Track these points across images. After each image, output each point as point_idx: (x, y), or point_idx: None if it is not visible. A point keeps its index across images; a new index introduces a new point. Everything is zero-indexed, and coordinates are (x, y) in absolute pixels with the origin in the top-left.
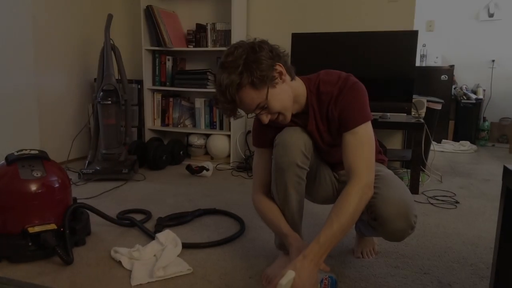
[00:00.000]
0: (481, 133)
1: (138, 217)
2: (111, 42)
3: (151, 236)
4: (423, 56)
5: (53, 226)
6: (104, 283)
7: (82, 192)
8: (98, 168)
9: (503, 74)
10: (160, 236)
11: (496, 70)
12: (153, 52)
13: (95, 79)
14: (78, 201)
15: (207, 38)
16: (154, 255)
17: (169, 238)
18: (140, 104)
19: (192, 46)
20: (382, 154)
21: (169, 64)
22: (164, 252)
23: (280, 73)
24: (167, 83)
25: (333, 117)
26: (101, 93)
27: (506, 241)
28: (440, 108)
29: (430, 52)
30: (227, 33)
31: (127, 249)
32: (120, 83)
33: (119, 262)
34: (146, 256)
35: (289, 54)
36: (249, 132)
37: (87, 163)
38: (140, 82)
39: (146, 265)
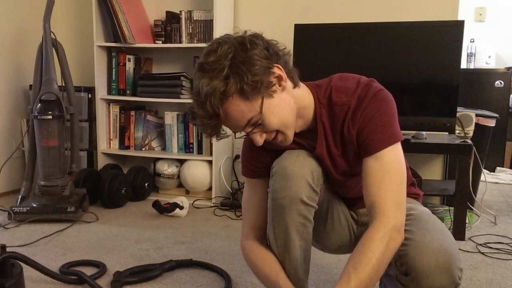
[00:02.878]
0: None
1: (89, 271)
2: (53, 36)
3: None
4: (470, 55)
5: None
6: None
7: (13, 237)
8: (34, 205)
9: None
10: None
11: None
12: (109, 50)
13: (30, 85)
14: (8, 249)
15: (181, 31)
16: None
17: None
18: (91, 119)
19: (161, 42)
20: (416, 186)
21: (130, 66)
22: None
23: (279, 78)
24: (128, 92)
25: (350, 136)
26: (39, 104)
27: None
28: (493, 125)
29: (480, 50)
30: (208, 25)
31: None
32: (65, 91)
33: None
34: None
35: (291, 52)
36: (237, 157)
37: (19, 198)
38: (91, 90)
39: None
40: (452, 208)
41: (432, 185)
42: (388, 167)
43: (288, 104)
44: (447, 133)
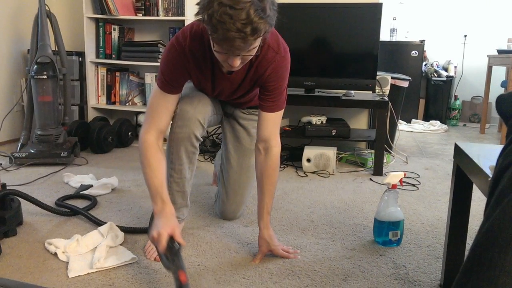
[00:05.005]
0: None
1: (81, 204)
2: (47, 8)
3: (97, 224)
4: (393, 30)
5: None
6: (37, 275)
7: (13, 178)
8: (32, 151)
9: None
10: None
11: None
12: (97, 21)
13: (28, 50)
14: (8, 187)
15: (158, 6)
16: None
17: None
18: (82, 79)
19: (141, 15)
20: None
21: (115, 35)
22: (103, 242)
23: None
24: (113, 56)
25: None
26: (35, 66)
27: (456, 216)
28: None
29: (399, 26)
30: (181, 1)
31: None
32: (58, 55)
33: (55, 254)
34: (83, 250)
35: None
36: None
37: (19, 145)
38: (81, 54)
39: (85, 256)
40: (373, 150)
41: (359, 133)
42: None
43: None
44: (371, 92)
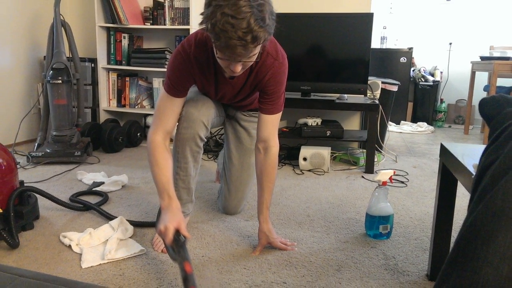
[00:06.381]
0: None
1: (94, 199)
2: (61, 17)
3: (109, 219)
4: (383, 38)
5: None
6: (53, 266)
7: (30, 176)
8: (48, 150)
9: None
10: (113, 222)
11: None
12: (108, 29)
13: (44, 56)
14: (26, 184)
15: (165, 16)
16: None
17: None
18: (94, 83)
19: (149, 24)
20: None
21: (125, 42)
22: (114, 235)
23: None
24: (123, 62)
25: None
26: (51, 71)
27: (441, 211)
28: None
29: (389, 34)
30: (186, 11)
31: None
32: (72, 61)
33: (69, 246)
34: (95, 242)
35: None
36: None
37: (36, 145)
38: (93, 60)
39: (97, 248)
40: (365, 150)
41: (351, 134)
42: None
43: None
44: (363, 95)
